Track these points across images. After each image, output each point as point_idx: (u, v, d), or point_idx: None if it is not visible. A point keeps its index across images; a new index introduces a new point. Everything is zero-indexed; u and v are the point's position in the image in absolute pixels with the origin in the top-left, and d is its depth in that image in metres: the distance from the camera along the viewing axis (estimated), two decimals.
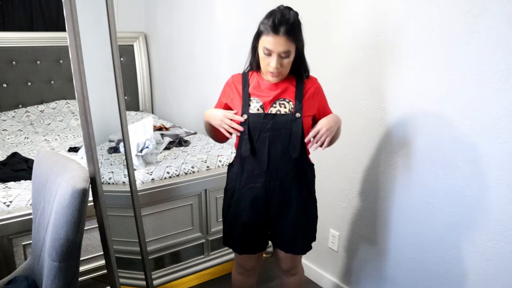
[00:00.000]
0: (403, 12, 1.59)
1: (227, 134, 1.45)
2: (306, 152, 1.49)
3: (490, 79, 1.36)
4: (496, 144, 1.38)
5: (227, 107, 1.53)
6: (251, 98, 1.45)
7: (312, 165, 1.57)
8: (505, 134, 1.35)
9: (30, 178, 1.77)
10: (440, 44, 1.49)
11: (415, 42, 1.57)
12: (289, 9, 1.36)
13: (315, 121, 1.50)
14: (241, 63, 2.49)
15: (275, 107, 1.43)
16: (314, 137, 1.38)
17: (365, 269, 1.98)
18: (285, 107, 1.43)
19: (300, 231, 1.56)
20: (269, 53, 1.34)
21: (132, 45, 3.63)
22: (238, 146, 1.49)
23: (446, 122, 1.52)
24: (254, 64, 1.48)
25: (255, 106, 1.44)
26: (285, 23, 1.30)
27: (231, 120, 1.43)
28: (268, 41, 1.33)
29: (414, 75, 1.59)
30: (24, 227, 1.70)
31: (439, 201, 1.59)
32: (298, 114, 1.41)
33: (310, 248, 1.62)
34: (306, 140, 1.41)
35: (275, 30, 1.30)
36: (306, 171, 1.52)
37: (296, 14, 1.36)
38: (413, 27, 1.56)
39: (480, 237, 1.48)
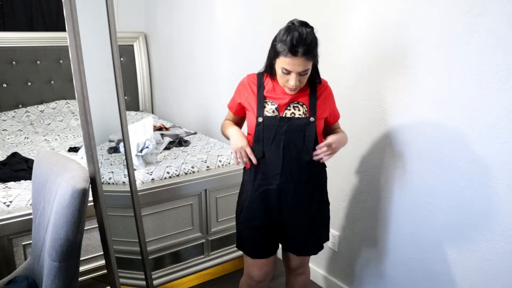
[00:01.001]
0: (403, 12, 1.59)
1: (236, 162, 1.48)
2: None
3: (490, 79, 1.36)
4: (496, 144, 1.38)
5: (241, 107, 1.54)
6: (266, 100, 1.46)
7: (325, 166, 1.57)
8: (505, 134, 1.35)
9: (30, 178, 1.77)
10: (440, 44, 1.49)
11: (415, 42, 1.57)
12: (305, 25, 1.34)
13: (325, 122, 1.52)
14: (241, 63, 2.49)
15: (290, 109, 1.44)
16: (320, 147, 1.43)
17: (365, 269, 1.98)
18: (299, 110, 1.44)
19: (313, 234, 1.57)
20: (288, 73, 1.34)
21: (132, 45, 3.63)
22: (252, 149, 1.47)
23: (446, 122, 1.52)
24: (269, 71, 1.46)
25: (270, 108, 1.45)
26: (303, 44, 1.28)
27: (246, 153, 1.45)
28: (286, 62, 1.32)
29: (414, 75, 1.59)
30: (24, 227, 1.70)
31: (439, 201, 1.59)
32: (312, 119, 1.43)
33: (321, 248, 1.63)
34: (317, 148, 1.43)
35: (293, 52, 1.29)
36: (319, 173, 1.53)
37: (313, 31, 1.34)
38: (413, 27, 1.56)
39: (480, 237, 1.48)
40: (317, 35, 1.35)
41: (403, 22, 1.60)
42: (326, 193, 1.60)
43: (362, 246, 1.97)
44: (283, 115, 1.44)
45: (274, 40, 1.37)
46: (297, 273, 1.71)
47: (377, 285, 1.93)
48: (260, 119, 1.44)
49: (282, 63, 1.33)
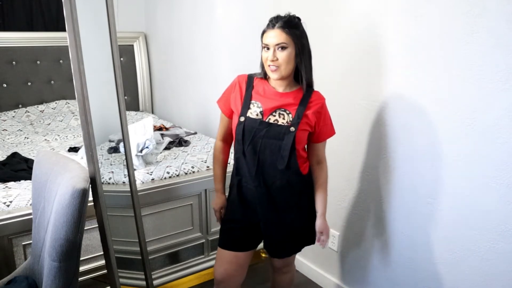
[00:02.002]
0: (403, 12, 1.59)
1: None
2: (297, 164, 1.48)
3: (490, 79, 1.36)
4: (496, 144, 1.38)
5: (229, 107, 1.54)
6: (253, 101, 1.47)
7: (304, 176, 1.53)
8: (505, 134, 1.35)
9: (30, 178, 1.77)
10: (440, 44, 1.49)
11: (415, 42, 1.57)
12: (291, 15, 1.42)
13: (310, 135, 1.49)
14: (241, 63, 2.49)
15: (274, 115, 1.44)
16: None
17: (365, 269, 1.98)
18: (283, 118, 1.43)
19: (287, 238, 1.57)
20: (267, 48, 1.39)
21: (132, 45, 3.63)
22: (234, 146, 1.51)
23: (446, 122, 1.52)
24: (262, 70, 1.49)
25: (255, 111, 1.45)
26: (281, 19, 1.38)
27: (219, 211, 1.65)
28: (265, 37, 1.39)
29: (414, 75, 1.59)
30: (24, 227, 1.70)
31: (439, 201, 1.59)
32: (292, 128, 1.41)
33: (298, 251, 1.64)
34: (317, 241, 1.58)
35: (271, 25, 1.38)
36: (295, 182, 1.50)
37: (296, 16, 1.41)
38: (413, 27, 1.56)
39: (480, 237, 1.48)
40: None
41: (403, 22, 1.60)
42: (307, 198, 1.56)
43: (362, 246, 1.97)
44: (266, 120, 1.43)
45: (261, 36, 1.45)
46: (282, 272, 1.73)
47: (377, 285, 1.93)
48: (242, 119, 1.44)
49: (263, 39, 1.40)
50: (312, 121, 1.45)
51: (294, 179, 1.49)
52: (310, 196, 1.57)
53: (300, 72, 1.44)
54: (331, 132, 1.54)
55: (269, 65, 1.39)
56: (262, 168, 1.46)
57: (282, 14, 1.41)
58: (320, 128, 1.49)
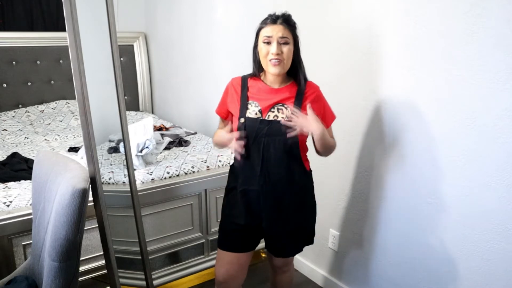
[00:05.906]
0: (403, 12, 1.59)
1: (237, 155, 1.43)
2: (301, 159, 1.49)
3: (490, 79, 1.36)
4: (496, 144, 1.38)
5: (226, 109, 1.54)
6: (250, 101, 1.47)
7: (309, 172, 1.56)
8: (505, 134, 1.35)
9: (30, 178, 1.77)
10: (440, 44, 1.49)
11: (415, 42, 1.57)
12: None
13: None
14: (241, 63, 2.49)
15: (273, 112, 1.44)
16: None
17: (365, 269, 1.98)
18: (282, 113, 1.44)
19: (291, 237, 1.57)
20: (268, 42, 1.39)
21: (132, 45, 3.63)
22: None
23: (446, 122, 1.52)
24: (256, 68, 1.49)
25: (253, 110, 1.45)
26: (281, 16, 1.41)
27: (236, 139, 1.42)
28: (267, 31, 1.40)
29: (414, 75, 1.59)
30: (24, 227, 1.70)
31: (439, 201, 1.59)
32: None
33: (300, 250, 1.64)
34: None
35: (273, 20, 1.40)
36: (300, 178, 1.51)
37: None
38: (413, 27, 1.56)
39: (480, 237, 1.48)
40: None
41: (403, 22, 1.60)
42: (311, 197, 1.58)
43: (362, 246, 1.97)
44: (266, 117, 1.43)
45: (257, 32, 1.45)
46: (281, 271, 1.73)
47: (377, 285, 1.93)
48: (242, 120, 1.45)
49: (263, 33, 1.40)
50: (311, 110, 1.45)
51: (298, 174, 1.50)
52: (312, 194, 1.58)
53: (297, 67, 1.46)
54: (332, 117, 1.55)
55: (270, 59, 1.39)
56: (267, 166, 1.45)
57: (278, 13, 1.42)
58: (321, 116, 1.50)
